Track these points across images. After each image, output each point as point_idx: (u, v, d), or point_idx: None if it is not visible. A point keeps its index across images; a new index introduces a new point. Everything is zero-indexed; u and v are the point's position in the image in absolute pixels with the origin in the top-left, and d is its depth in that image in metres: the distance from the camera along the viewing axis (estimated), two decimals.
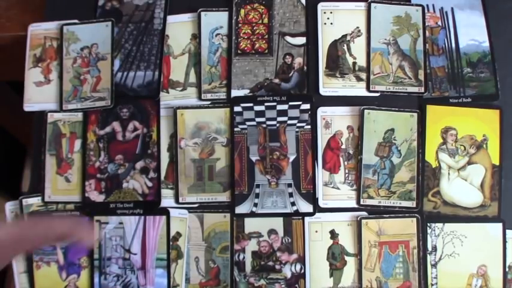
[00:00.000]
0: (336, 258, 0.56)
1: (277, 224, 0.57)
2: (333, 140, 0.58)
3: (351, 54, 0.60)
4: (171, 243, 0.56)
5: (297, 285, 0.56)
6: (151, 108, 0.59)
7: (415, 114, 0.58)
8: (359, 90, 0.59)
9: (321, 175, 0.58)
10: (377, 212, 0.57)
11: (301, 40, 0.60)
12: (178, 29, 0.61)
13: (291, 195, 0.57)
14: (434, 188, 0.57)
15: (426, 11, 0.61)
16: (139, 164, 0.58)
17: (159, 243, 0.56)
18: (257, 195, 0.57)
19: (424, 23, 0.61)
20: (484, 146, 0.58)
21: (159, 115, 0.59)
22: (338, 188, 0.58)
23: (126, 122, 0.59)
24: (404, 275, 0.56)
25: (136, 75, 0.60)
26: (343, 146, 0.58)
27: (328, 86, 0.59)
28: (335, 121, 0.59)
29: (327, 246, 0.57)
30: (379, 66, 0.60)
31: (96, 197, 0.58)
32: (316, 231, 0.57)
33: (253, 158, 0.58)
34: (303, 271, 0.56)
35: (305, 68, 0.60)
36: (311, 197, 0.57)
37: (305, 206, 0.57)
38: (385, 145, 0.58)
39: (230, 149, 0.58)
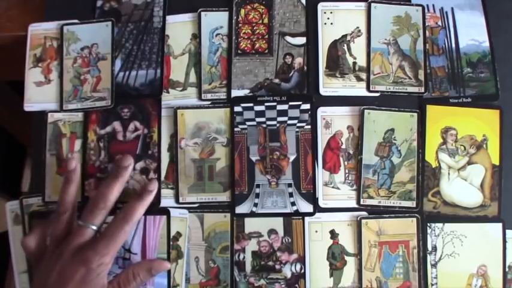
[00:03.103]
0: (336, 258, 0.56)
1: (277, 224, 0.57)
2: (333, 140, 0.58)
3: (351, 54, 0.60)
4: (171, 243, 0.56)
5: (297, 285, 0.56)
6: (152, 108, 0.59)
7: (415, 114, 0.58)
8: (359, 90, 0.59)
9: (321, 175, 0.58)
10: (377, 212, 0.57)
11: (301, 40, 0.60)
12: (178, 29, 0.61)
13: (291, 195, 0.57)
14: (434, 188, 0.58)
15: (426, 11, 0.61)
16: (139, 165, 0.58)
17: (160, 243, 0.56)
18: (257, 195, 0.57)
19: (424, 23, 0.61)
20: (484, 146, 0.58)
21: (160, 115, 0.59)
22: (338, 188, 0.58)
23: (127, 122, 0.59)
24: (404, 275, 0.56)
25: (138, 74, 0.60)
26: (343, 146, 0.58)
27: (328, 86, 0.59)
28: (335, 121, 0.59)
29: (327, 246, 0.57)
30: (379, 66, 0.60)
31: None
32: (316, 231, 0.57)
33: (253, 158, 0.58)
34: (303, 271, 0.56)
35: (305, 68, 0.60)
36: (311, 197, 0.57)
37: (305, 206, 0.57)
38: (385, 145, 0.58)
39: (230, 149, 0.58)
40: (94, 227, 0.49)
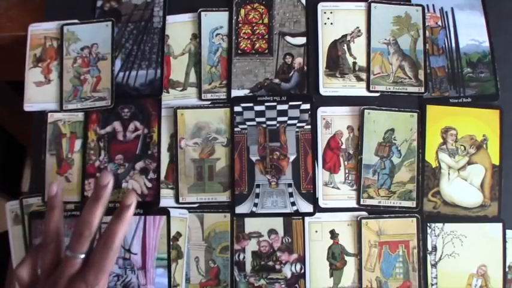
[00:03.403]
0: (336, 258, 0.56)
1: (277, 224, 0.57)
2: (333, 140, 0.58)
3: (351, 54, 0.60)
4: (171, 243, 0.56)
5: (297, 285, 0.56)
6: (152, 108, 0.59)
7: (415, 114, 0.58)
8: (359, 90, 0.59)
9: (321, 175, 0.58)
10: (377, 212, 0.57)
11: (301, 40, 0.60)
12: (178, 29, 0.61)
13: (291, 195, 0.57)
14: (434, 188, 0.57)
15: (426, 11, 0.61)
16: (139, 165, 0.58)
17: (160, 243, 0.56)
18: (257, 195, 0.57)
19: (424, 23, 0.61)
20: (484, 146, 0.58)
21: (160, 116, 0.59)
22: (338, 188, 0.58)
23: (127, 122, 0.59)
24: (404, 275, 0.56)
25: (138, 74, 0.60)
26: (343, 146, 0.58)
27: (328, 86, 0.59)
28: (335, 121, 0.59)
29: (327, 246, 0.57)
30: (379, 66, 0.60)
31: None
32: (316, 231, 0.57)
33: (253, 158, 0.58)
34: (303, 271, 0.56)
35: (305, 68, 0.60)
36: (311, 197, 0.57)
37: (305, 206, 0.57)
38: (385, 145, 0.58)
39: (230, 149, 0.58)
40: (82, 256, 0.48)
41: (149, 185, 0.58)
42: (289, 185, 0.57)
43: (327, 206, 0.57)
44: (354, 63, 0.60)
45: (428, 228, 0.57)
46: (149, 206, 0.57)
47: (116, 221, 0.49)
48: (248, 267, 0.57)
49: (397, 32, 0.60)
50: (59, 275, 0.47)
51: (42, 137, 0.59)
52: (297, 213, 0.57)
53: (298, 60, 0.60)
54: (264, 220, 0.57)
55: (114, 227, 0.48)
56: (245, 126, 0.58)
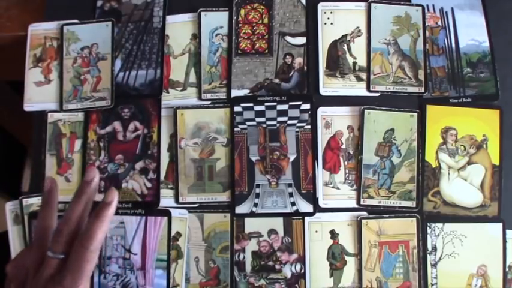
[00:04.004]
0: (336, 258, 0.56)
1: (277, 224, 0.57)
2: (333, 140, 0.58)
3: (351, 54, 0.60)
4: (171, 243, 0.56)
5: (297, 285, 0.56)
6: (152, 108, 0.59)
7: (415, 114, 0.58)
8: (359, 90, 0.59)
9: (321, 175, 0.58)
10: (377, 212, 0.57)
11: (301, 40, 0.60)
12: (178, 29, 0.61)
13: (291, 195, 0.57)
14: (434, 188, 0.57)
15: (426, 11, 0.61)
16: (139, 165, 0.58)
17: (160, 244, 0.56)
18: (257, 195, 0.57)
19: (424, 23, 0.61)
20: (484, 146, 0.58)
21: (160, 116, 0.59)
22: (338, 188, 0.58)
23: (127, 122, 0.59)
24: (404, 275, 0.56)
25: (138, 74, 0.60)
26: (343, 146, 0.58)
27: (328, 86, 0.59)
28: (335, 121, 0.59)
29: (327, 246, 0.57)
30: (379, 66, 0.60)
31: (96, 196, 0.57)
32: (316, 231, 0.57)
33: (253, 158, 0.58)
34: (303, 271, 0.56)
35: (305, 68, 0.60)
36: (311, 197, 0.57)
37: (305, 206, 0.57)
38: (385, 145, 0.58)
39: (230, 149, 0.58)
40: (61, 256, 0.44)
41: (149, 185, 0.58)
42: (289, 185, 0.57)
43: (327, 206, 0.57)
44: (354, 63, 0.60)
45: (428, 228, 0.57)
46: (149, 206, 0.57)
47: (94, 220, 0.44)
48: (248, 267, 0.57)
49: (397, 32, 0.60)
50: (40, 275, 0.45)
51: (42, 137, 0.59)
52: (297, 213, 0.57)
53: (298, 60, 0.60)
54: (264, 220, 0.57)
55: (92, 226, 0.44)
56: (245, 126, 0.58)
